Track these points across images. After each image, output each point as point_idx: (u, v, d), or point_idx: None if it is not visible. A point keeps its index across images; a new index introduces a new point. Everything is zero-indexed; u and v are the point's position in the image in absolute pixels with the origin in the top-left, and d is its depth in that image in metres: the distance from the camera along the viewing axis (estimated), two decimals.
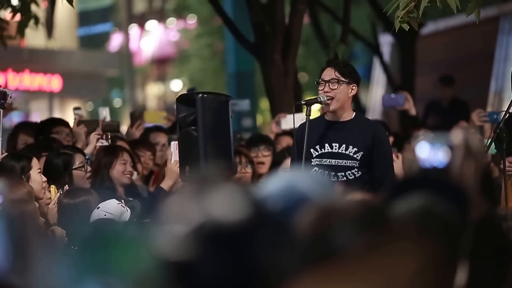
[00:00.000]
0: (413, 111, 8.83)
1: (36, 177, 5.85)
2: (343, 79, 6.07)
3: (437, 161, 2.32)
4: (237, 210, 1.80)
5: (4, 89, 6.29)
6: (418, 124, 8.82)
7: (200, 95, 6.20)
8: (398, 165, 6.65)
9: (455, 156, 2.34)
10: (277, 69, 8.99)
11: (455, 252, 2.13)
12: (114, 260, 1.71)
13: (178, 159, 6.44)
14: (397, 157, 6.90)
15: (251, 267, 1.76)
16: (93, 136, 7.16)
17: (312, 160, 6.05)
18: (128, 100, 29.62)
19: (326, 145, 6.08)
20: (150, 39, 34.09)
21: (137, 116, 8.84)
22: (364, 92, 18.20)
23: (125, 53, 29.40)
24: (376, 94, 17.36)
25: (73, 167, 6.35)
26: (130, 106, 27.99)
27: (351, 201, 2.24)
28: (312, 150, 6.07)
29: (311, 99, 6.22)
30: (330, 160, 6.05)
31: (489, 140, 6.30)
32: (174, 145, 6.57)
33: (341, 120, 6.14)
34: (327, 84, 6.07)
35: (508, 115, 6.19)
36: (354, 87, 6.12)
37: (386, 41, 16.54)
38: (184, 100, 6.33)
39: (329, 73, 6.11)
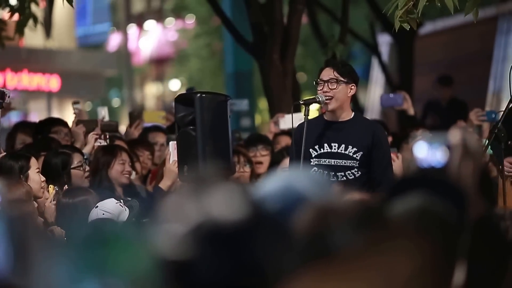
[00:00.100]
0: (411, 111, 8.84)
1: (35, 176, 5.85)
2: (342, 79, 6.07)
3: (435, 161, 2.33)
4: (235, 209, 1.80)
5: (3, 89, 6.29)
6: (416, 124, 8.82)
7: (199, 95, 6.20)
8: (398, 165, 6.66)
9: (453, 156, 2.35)
10: (275, 69, 9.00)
11: (453, 252, 2.13)
12: (113, 260, 1.71)
13: (176, 159, 6.44)
14: (397, 157, 6.90)
15: (249, 266, 1.77)
16: (91, 136, 7.16)
17: (311, 160, 6.05)
18: (127, 100, 29.60)
19: (325, 145, 6.08)
20: (149, 39, 34.08)
21: (136, 116, 8.84)
22: (362, 92, 18.21)
23: (124, 53, 29.39)
24: (374, 94, 17.36)
25: (72, 167, 6.35)
26: (129, 106, 27.97)
27: (349, 201, 2.24)
28: (311, 150, 6.07)
29: (310, 99, 6.22)
30: (329, 160, 6.06)
31: (488, 140, 6.30)
32: (172, 145, 6.58)
33: (340, 120, 6.14)
34: (326, 84, 6.08)
35: (506, 114, 6.19)
36: (353, 87, 6.13)
37: (384, 41, 16.55)
38: (182, 100, 6.34)
39: (328, 73, 6.11)
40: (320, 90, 6.09)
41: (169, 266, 1.77)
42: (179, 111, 6.22)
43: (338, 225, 1.90)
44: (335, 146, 6.06)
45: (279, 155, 7.54)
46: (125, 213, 5.48)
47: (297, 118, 6.68)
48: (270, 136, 8.35)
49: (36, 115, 23.90)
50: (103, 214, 5.36)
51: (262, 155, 7.72)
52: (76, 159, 6.39)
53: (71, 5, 7.01)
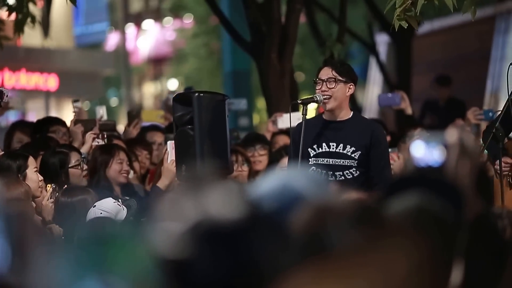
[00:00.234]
0: (409, 111, 8.84)
1: (33, 176, 5.86)
2: (340, 78, 6.07)
3: (432, 160, 2.33)
4: (232, 208, 1.81)
5: (1, 88, 6.29)
6: (414, 124, 8.83)
7: (197, 94, 6.20)
8: (399, 165, 6.66)
9: (450, 155, 2.35)
10: (273, 68, 9.00)
11: (450, 250, 2.13)
12: (113, 258, 1.72)
13: (174, 158, 6.44)
14: (398, 157, 6.91)
15: (247, 265, 1.77)
16: (89, 136, 7.16)
17: (310, 159, 6.06)
18: (125, 99, 29.58)
19: (324, 144, 6.08)
20: (147, 39, 34.07)
21: (134, 115, 8.84)
22: (360, 91, 18.20)
23: (122, 53, 29.38)
24: (372, 94, 17.36)
25: (69, 166, 6.35)
26: (127, 105, 27.95)
27: (346, 200, 2.25)
28: (309, 149, 6.08)
29: (308, 98, 6.23)
30: (328, 159, 6.06)
31: (483, 140, 6.31)
32: (170, 144, 6.58)
33: (338, 119, 6.14)
34: (325, 83, 6.08)
35: (503, 114, 6.20)
36: (351, 86, 6.13)
37: (382, 40, 16.55)
38: (180, 99, 6.34)
39: (326, 72, 6.11)
40: (319, 89, 6.10)
41: (167, 265, 1.77)
42: (177, 111, 6.22)
43: (336, 224, 1.91)
44: (333, 145, 6.07)
45: (277, 154, 7.55)
46: (123, 212, 5.48)
47: (295, 118, 6.69)
48: (268, 135, 8.35)
49: (34, 115, 23.89)
50: (101, 213, 5.36)
51: (260, 155, 7.72)
52: (74, 158, 6.39)
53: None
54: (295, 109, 7.36)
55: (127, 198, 6.13)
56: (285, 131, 8.04)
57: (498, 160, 6.21)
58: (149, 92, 35.48)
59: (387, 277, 1.77)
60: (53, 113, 21.60)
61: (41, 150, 6.63)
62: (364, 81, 18.29)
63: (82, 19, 30.50)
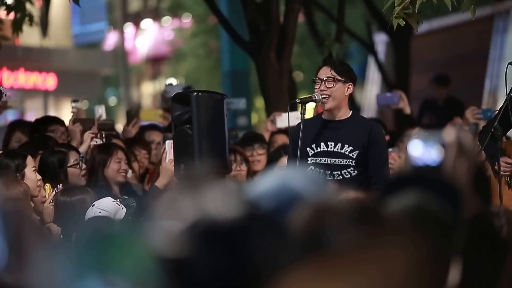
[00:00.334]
0: (407, 110, 8.85)
1: (31, 175, 5.86)
2: (339, 78, 6.08)
3: (430, 159, 2.34)
4: (230, 207, 1.81)
5: None
6: (412, 123, 8.84)
7: (195, 93, 6.21)
8: (400, 165, 6.66)
9: (448, 154, 2.36)
10: (272, 67, 9.00)
11: (448, 249, 2.14)
12: (113, 257, 1.72)
13: (172, 158, 6.44)
14: (399, 157, 6.91)
15: (244, 263, 1.77)
16: (87, 135, 7.15)
17: (308, 159, 6.07)
18: (123, 99, 29.58)
19: (322, 144, 6.09)
20: (145, 38, 34.05)
21: (133, 114, 8.84)
22: (358, 90, 18.21)
23: (120, 52, 29.37)
24: (371, 93, 17.36)
25: (68, 165, 6.35)
26: (125, 104, 27.94)
27: (345, 199, 2.25)
28: (308, 149, 6.08)
29: (306, 97, 6.23)
30: (326, 159, 6.06)
31: (479, 139, 6.31)
32: (168, 143, 6.58)
33: (337, 119, 6.15)
34: (323, 82, 6.08)
35: (501, 113, 6.20)
36: (350, 86, 6.13)
37: (380, 40, 16.55)
38: (179, 98, 6.34)
39: (325, 72, 6.12)
40: (317, 88, 6.10)
41: (165, 264, 1.77)
42: (176, 110, 6.22)
43: (334, 222, 1.91)
44: (331, 145, 6.07)
45: (276, 153, 7.55)
46: (121, 211, 5.48)
47: (294, 117, 6.69)
48: (267, 135, 8.35)
49: (32, 114, 23.88)
50: (100, 212, 5.37)
51: (259, 154, 7.73)
52: (73, 158, 6.39)
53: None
54: (293, 108, 7.36)
55: (126, 197, 6.13)
56: (284, 131, 8.05)
57: (497, 160, 6.22)
58: (147, 91, 35.47)
59: (386, 274, 1.78)
60: (52, 113, 21.58)
61: (39, 149, 6.63)
62: (363, 80, 18.29)
63: (81, 19, 30.50)
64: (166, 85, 9.45)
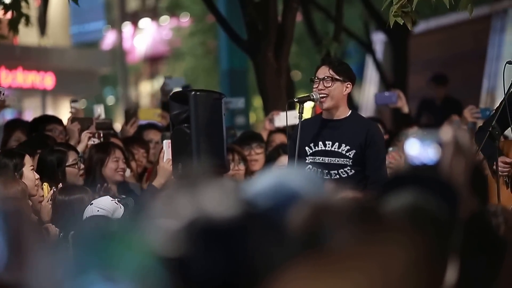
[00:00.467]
0: (405, 109, 8.85)
1: (29, 174, 5.86)
2: (337, 77, 6.08)
3: (427, 158, 2.34)
4: (227, 206, 1.81)
5: None
6: (410, 122, 8.84)
7: (193, 92, 6.21)
8: (400, 164, 6.66)
9: (445, 153, 2.36)
10: (270, 67, 9.00)
11: (445, 248, 2.14)
12: (114, 253, 1.72)
13: (170, 158, 6.44)
14: (400, 156, 6.91)
15: (242, 262, 1.78)
16: (85, 135, 7.14)
17: (307, 158, 6.07)
18: (121, 98, 29.55)
19: (320, 143, 6.10)
20: (143, 37, 34.04)
21: (131, 114, 8.85)
22: (356, 90, 18.20)
23: (118, 51, 29.34)
24: (368, 92, 17.36)
25: (67, 164, 6.35)
26: (123, 104, 27.92)
27: (343, 198, 2.25)
28: (306, 148, 6.09)
29: (304, 96, 6.24)
30: (323, 158, 6.07)
31: (476, 138, 6.31)
32: (166, 143, 6.58)
33: (335, 118, 6.15)
34: (321, 82, 6.09)
35: (499, 113, 6.20)
36: (349, 85, 6.14)
37: (378, 39, 16.54)
38: (177, 97, 6.34)
39: (324, 71, 6.12)
40: (316, 88, 6.11)
41: (163, 262, 1.78)
42: (174, 109, 6.23)
43: (333, 221, 1.91)
44: (329, 144, 6.08)
45: (275, 152, 7.55)
46: (120, 210, 5.49)
47: (292, 116, 6.70)
48: (265, 134, 8.36)
49: (30, 113, 23.87)
50: (98, 211, 5.37)
51: (257, 153, 7.73)
52: (71, 157, 6.39)
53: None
54: (291, 107, 7.37)
55: (124, 196, 6.13)
56: (282, 130, 8.05)
57: (495, 159, 6.22)
58: (145, 90, 35.45)
59: (385, 271, 1.78)
60: (50, 112, 21.57)
61: (38, 148, 6.63)
62: (361, 80, 18.29)
63: (79, 18, 30.47)
64: (165, 77, 9.46)
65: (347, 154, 6.02)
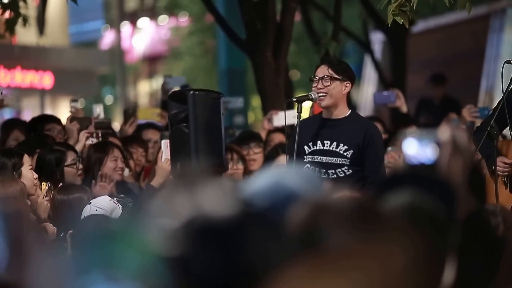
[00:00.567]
0: (404, 109, 8.86)
1: (28, 173, 5.86)
2: (336, 76, 6.09)
3: (425, 158, 2.34)
4: (225, 205, 1.82)
5: None
6: (409, 122, 8.85)
7: (192, 92, 6.21)
8: (399, 164, 6.66)
9: (443, 153, 2.36)
10: (268, 66, 9.00)
11: (443, 248, 2.14)
12: (115, 252, 1.72)
13: (169, 157, 6.44)
14: (400, 156, 6.91)
15: (240, 261, 1.78)
16: (83, 134, 7.14)
17: (305, 157, 6.08)
18: (120, 98, 29.54)
19: (318, 142, 6.10)
20: (142, 37, 34.02)
21: (130, 113, 8.85)
22: (355, 89, 18.20)
23: (117, 51, 29.34)
24: (367, 92, 17.36)
25: (65, 164, 6.35)
26: (122, 103, 27.91)
27: (341, 198, 2.26)
28: (305, 147, 6.10)
29: (303, 96, 6.24)
30: (321, 157, 6.07)
31: (474, 137, 6.31)
32: (164, 143, 6.58)
33: (334, 117, 6.15)
34: (320, 81, 6.09)
35: (497, 112, 6.21)
36: (348, 85, 6.14)
37: (377, 38, 16.55)
38: (175, 97, 6.35)
39: (323, 70, 6.13)
40: (314, 87, 6.11)
41: (162, 262, 1.78)
42: (172, 108, 6.23)
43: (331, 221, 1.92)
44: (327, 143, 6.08)
45: (273, 152, 7.56)
46: (118, 210, 5.49)
47: (290, 116, 6.71)
48: (264, 133, 8.36)
49: (29, 113, 23.85)
50: (96, 210, 5.37)
51: (255, 153, 7.73)
52: (70, 157, 6.39)
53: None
54: (290, 107, 7.37)
55: (122, 195, 6.13)
56: (281, 129, 8.05)
57: (493, 159, 6.21)
58: (144, 90, 35.44)
59: (383, 270, 1.78)
60: (48, 111, 21.56)
61: (36, 148, 6.63)
62: (359, 79, 18.29)
63: (77, 17, 30.46)
64: (165, 76, 9.46)
65: (345, 154, 6.03)
